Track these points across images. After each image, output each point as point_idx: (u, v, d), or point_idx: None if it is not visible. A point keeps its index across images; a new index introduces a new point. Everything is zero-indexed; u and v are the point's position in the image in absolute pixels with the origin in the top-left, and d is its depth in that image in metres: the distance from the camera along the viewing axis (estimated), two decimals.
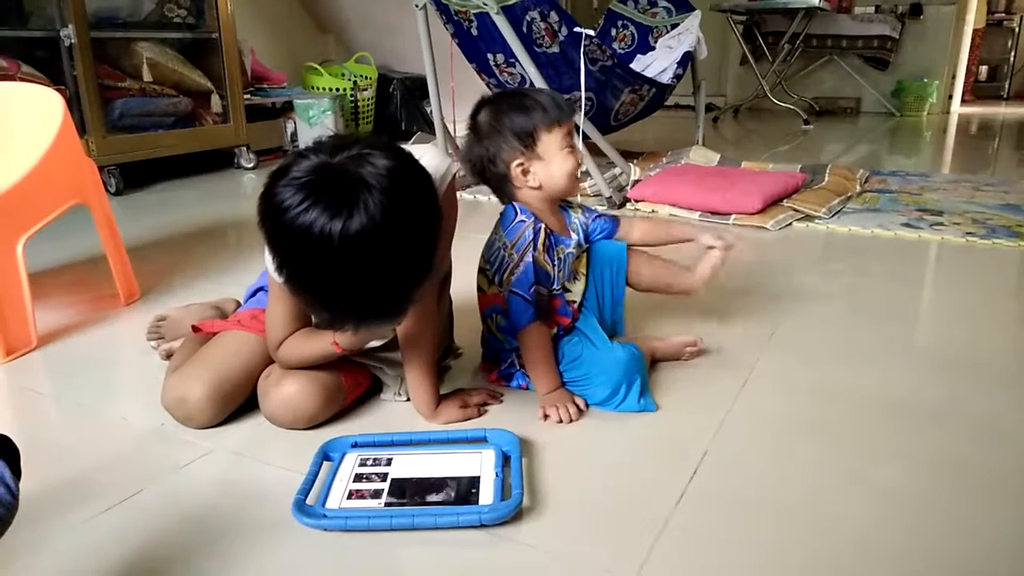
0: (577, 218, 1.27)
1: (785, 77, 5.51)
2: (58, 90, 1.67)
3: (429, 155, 0.98)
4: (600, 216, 1.32)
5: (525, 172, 1.15)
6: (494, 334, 1.22)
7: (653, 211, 2.49)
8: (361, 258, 0.82)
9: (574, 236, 1.24)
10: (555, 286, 1.20)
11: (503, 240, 1.17)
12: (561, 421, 1.11)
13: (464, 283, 1.31)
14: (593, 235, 1.30)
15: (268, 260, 0.94)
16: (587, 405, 1.15)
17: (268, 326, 1.10)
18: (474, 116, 1.18)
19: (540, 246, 1.16)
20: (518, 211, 1.17)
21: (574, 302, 1.25)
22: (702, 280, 1.30)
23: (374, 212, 0.81)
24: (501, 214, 1.20)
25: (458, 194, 1.17)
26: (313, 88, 3.93)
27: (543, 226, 1.17)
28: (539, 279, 1.15)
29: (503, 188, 1.19)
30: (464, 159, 1.21)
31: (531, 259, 1.14)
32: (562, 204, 1.26)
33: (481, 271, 1.21)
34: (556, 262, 1.20)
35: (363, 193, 0.81)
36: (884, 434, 1.09)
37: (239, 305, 1.39)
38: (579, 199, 2.50)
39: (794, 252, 2.07)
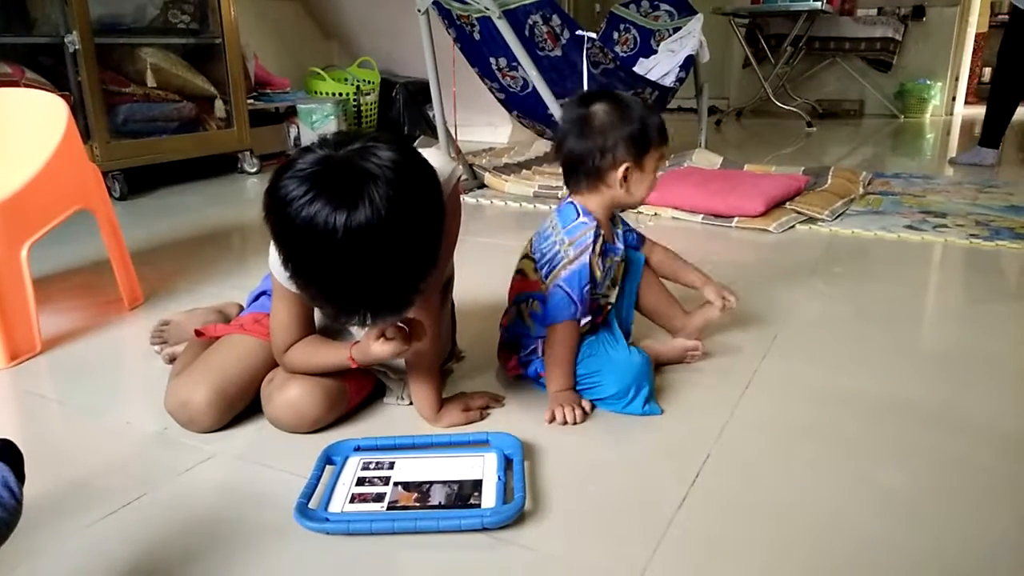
0: (620, 229, 1.30)
1: (788, 80, 5.51)
2: (62, 96, 1.68)
3: (433, 158, 0.98)
4: (629, 229, 1.34)
5: (627, 178, 1.16)
6: (523, 319, 1.22)
7: (656, 214, 2.49)
8: (366, 250, 0.82)
9: (620, 245, 1.27)
10: (599, 290, 1.22)
11: (561, 235, 1.18)
12: (567, 422, 1.11)
13: (467, 286, 1.31)
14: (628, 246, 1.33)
15: (273, 260, 0.94)
16: (593, 408, 1.15)
17: (273, 329, 1.10)
18: (585, 104, 1.17)
19: (597, 250, 1.17)
20: (580, 211, 1.18)
21: (609, 305, 1.26)
22: (695, 331, 1.35)
23: (379, 204, 0.81)
24: (558, 209, 1.21)
25: (461, 198, 1.17)
26: (316, 93, 3.95)
27: (603, 232, 1.19)
28: (590, 281, 1.16)
29: (585, 179, 1.19)
30: (561, 139, 1.19)
31: (587, 260, 1.15)
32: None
33: (527, 257, 1.22)
34: (605, 268, 1.22)
35: (368, 185, 0.81)
36: (886, 436, 1.09)
37: (242, 309, 1.40)
38: None
39: (797, 255, 2.07)
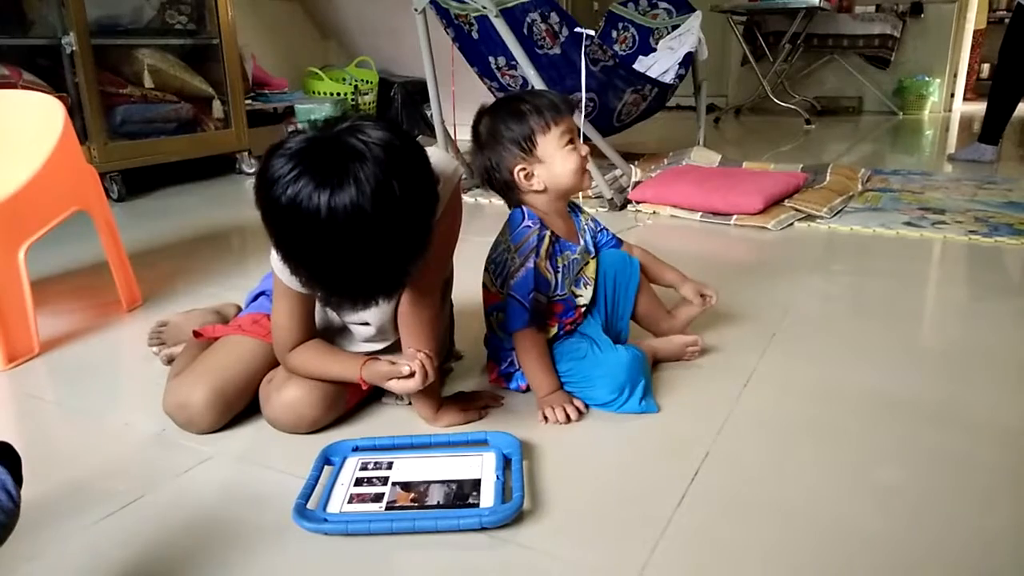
0: (587, 223, 1.29)
1: (786, 77, 5.51)
2: (60, 97, 1.69)
3: (435, 156, 0.98)
4: (605, 229, 1.34)
5: (528, 176, 1.16)
6: (495, 332, 1.23)
7: (655, 212, 2.49)
8: (351, 229, 0.81)
9: (581, 242, 1.25)
10: (560, 291, 1.20)
11: (508, 243, 1.17)
12: (559, 423, 1.11)
13: (466, 286, 1.31)
14: (600, 244, 1.32)
15: (274, 257, 0.94)
16: (587, 407, 1.15)
17: (274, 328, 1.10)
18: (475, 126, 1.19)
19: (543, 253, 1.16)
20: (525, 216, 1.18)
21: (583, 306, 1.25)
22: (680, 330, 1.35)
23: (364, 183, 0.80)
24: (509, 216, 1.21)
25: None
26: (314, 93, 3.94)
27: (548, 233, 1.17)
28: (538, 286, 1.15)
29: (510, 194, 1.20)
30: (472, 167, 1.22)
31: (532, 266, 1.14)
32: (572, 208, 1.27)
33: (487, 269, 1.22)
34: (560, 269, 1.20)
35: (353, 163, 0.81)
36: (885, 433, 1.09)
37: (240, 310, 1.39)
38: (580, 199, 2.51)
39: (796, 252, 2.07)
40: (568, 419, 1.11)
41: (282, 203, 0.82)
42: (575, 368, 1.17)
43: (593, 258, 1.27)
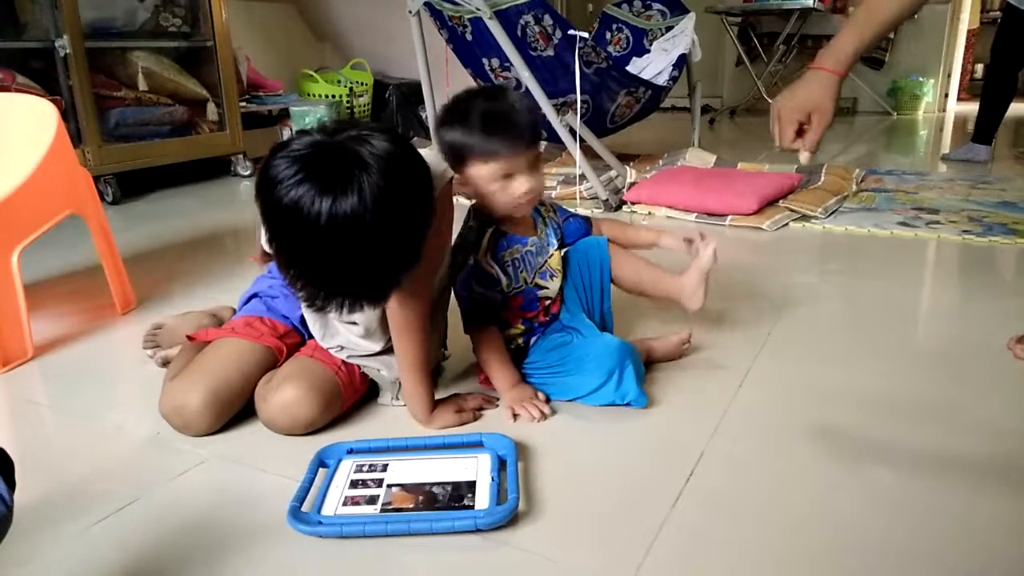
0: (549, 216, 1.25)
1: (781, 78, 5.51)
2: (54, 100, 1.68)
3: (428, 156, 0.98)
4: (572, 217, 1.30)
5: (462, 184, 1.13)
6: None
7: (650, 213, 2.49)
8: (347, 238, 0.83)
9: (540, 235, 1.22)
10: (515, 284, 1.19)
11: (456, 242, 1.18)
12: (535, 420, 1.11)
13: None
14: (569, 237, 1.28)
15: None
16: (549, 399, 1.16)
17: None
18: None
19: (482, 250, 1.16)
20: (472, 214, 1.18)
21: (547, 299, 1.23)
22: (697, 287, 1.21)
23: (366, 193, 0.81)
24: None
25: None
26: (309, 95, 3.94)
27: (490, 229, 1.16)
28: (482, 282, 1.15)
29: None
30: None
31: (472, 262, 1.15)
32: None
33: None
34: (510, 262, 1.18)
35: (357, 172, 0.82)
36: (880, 433, 1.09)
37: (234, 313, 1.39)
38: (577, 200, 2.51)
39: (790, 252, 2.07)
40: (544, 416, 1.12)
41: (283, 204, 0.83)
42: (563, 360, 1.16)
43: (557, 250, 1.24)
